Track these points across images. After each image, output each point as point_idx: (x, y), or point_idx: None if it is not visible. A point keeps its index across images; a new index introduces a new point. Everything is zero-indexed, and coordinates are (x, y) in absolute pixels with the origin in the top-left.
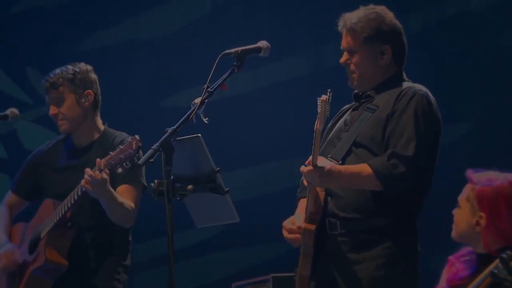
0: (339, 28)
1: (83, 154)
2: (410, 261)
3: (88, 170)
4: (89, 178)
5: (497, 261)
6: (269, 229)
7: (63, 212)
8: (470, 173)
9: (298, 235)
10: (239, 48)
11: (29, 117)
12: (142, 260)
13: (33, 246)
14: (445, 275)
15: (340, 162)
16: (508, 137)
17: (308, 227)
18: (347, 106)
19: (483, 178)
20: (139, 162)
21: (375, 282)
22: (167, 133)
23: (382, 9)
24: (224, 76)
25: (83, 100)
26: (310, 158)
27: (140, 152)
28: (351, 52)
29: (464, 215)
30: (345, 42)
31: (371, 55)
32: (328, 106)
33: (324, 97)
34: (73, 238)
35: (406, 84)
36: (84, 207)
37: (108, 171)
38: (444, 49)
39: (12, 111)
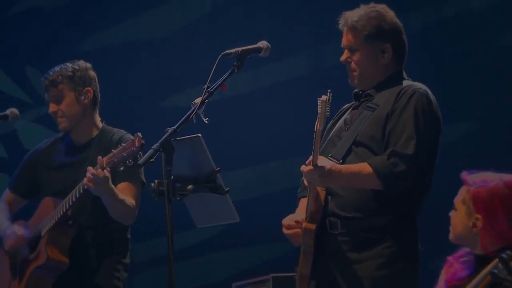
0: (340, 26)
1: (81, 152)
2: (410, 260)
3: (90, 168)
4: (92, 176)
5: (495, 262)
6: (269, 229)
7: (64, 210)
8: (464, 175)
9: (297, 230)
10: (239, 48)
11: (29, 117)
12: (142, 260)
13: (33, 245)
14: (443, 276)
15: (341, 161)
16: (508, 137)
17: (308, 226)
18: (347, 105)
19: (478, 180)
20: (139, 162)
21: (376, 282)
22: (167, 133)
23: (383, 8)
24: (224, 76)
25: (83, 97)
26: (311, 157)
27: (140, 152)
28: (351, 50)
29: (460, 218)
30: (346, 40)
31: (371, 53)
32: (328, 107)
33: (324, 97)
34: (74, 236)
35: (406, 83)
36: (85, 206)
37: (109, 169)
38: (444, 49)
39: (12, 111)
